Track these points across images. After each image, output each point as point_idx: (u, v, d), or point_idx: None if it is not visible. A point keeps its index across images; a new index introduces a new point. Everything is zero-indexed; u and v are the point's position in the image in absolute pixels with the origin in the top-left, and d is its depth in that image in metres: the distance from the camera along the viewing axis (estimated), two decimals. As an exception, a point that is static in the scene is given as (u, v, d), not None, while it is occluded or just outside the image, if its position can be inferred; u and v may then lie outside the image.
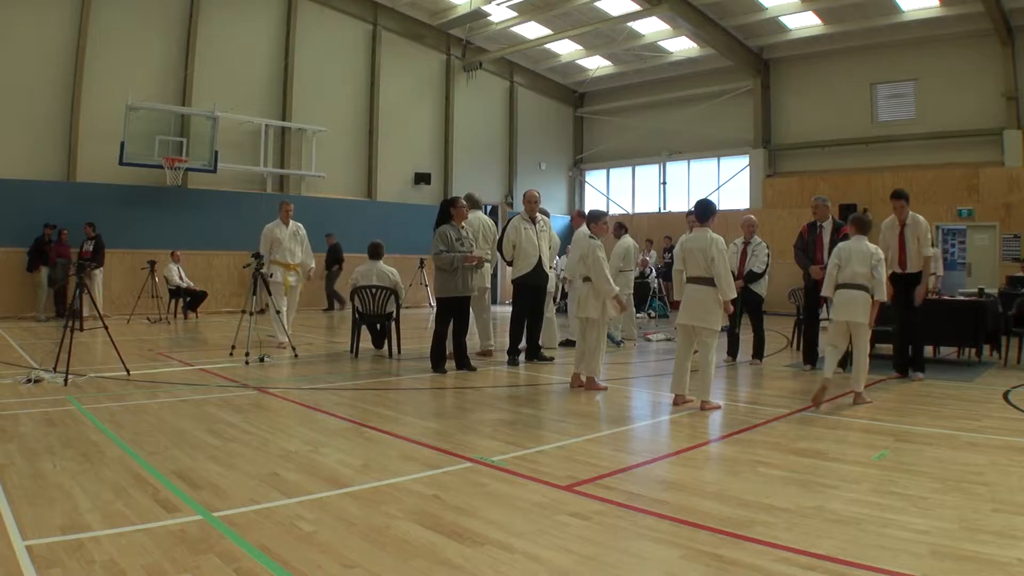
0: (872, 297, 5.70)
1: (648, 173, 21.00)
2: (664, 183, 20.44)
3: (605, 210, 8.08)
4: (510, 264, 8.07)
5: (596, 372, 6.27)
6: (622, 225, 10.53)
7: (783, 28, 16.83)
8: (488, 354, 8.27)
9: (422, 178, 18.30)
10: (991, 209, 14.67)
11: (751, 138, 18.32)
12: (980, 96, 15.01)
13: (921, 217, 6.92)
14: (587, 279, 6.22)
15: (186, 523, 2.84)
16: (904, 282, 6.86)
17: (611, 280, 6.23)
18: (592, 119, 22.20)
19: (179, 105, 14.16)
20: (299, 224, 9.15)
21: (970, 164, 15.08)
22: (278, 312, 8.55)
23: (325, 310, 15.33)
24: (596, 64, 20.31)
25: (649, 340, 10.42)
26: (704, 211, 5.67)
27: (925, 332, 7.14)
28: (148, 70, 13.86)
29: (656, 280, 15.83)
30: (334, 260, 15.28)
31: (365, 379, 6.80)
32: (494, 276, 20.57)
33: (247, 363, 7.41)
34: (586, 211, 10.82)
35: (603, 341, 6.34)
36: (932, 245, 7.05)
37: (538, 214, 8.18)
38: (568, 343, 9.41)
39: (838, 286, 5.79)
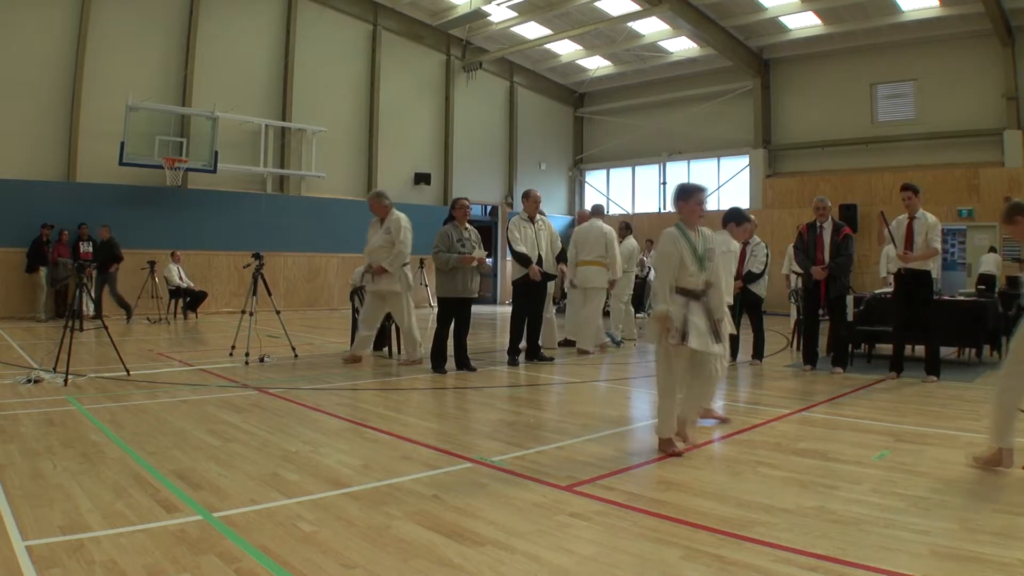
0: None
1: (648, 173, 21.00)
2: (664, 183, 20.43)
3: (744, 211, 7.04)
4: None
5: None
6: (627, 225, 10.52)
7: (783, 28, 16.83)
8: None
9: (422, 178, 18.31)
10: (991, 209, 14.66)
11: (751, 138, 18.32)
12: (980, 96, 15.02)
13: (931, 215, 6.87)
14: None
15: (186, 523, 2.84)
16: (907, 280, 6.84)
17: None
18: (592, 119, 22.20)
19: (179, 105, 14.16)
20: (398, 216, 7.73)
21: (970, 164, 15.09)
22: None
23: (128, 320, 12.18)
24: (596, 64, 20.31)
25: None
26: (741, 217, 5.49)
27: (936, 333, 6.94)
28: (148, 70, 13.86)
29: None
30: (112, 257, 12.21)
31: (365, 379, 6.80)
32: (495, 276, 20.58)
33: (247, 363, 7.41)
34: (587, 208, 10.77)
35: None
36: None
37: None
38: (567, 343, 9.42)
39: None
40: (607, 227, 8.99)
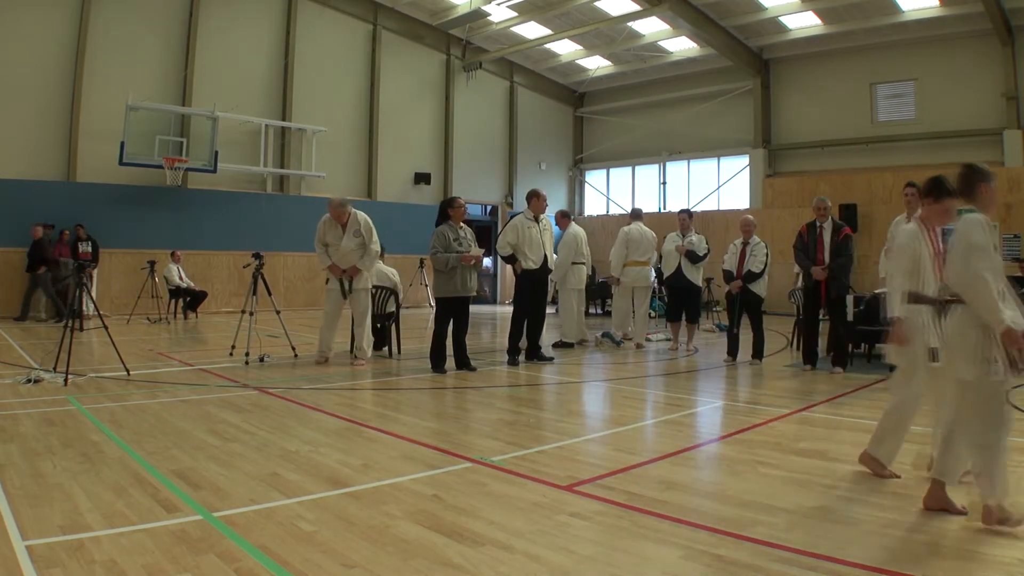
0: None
1: (648, 173, 21.00)
2: (664, 183, 20.44)
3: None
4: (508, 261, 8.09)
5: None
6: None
7: (783, 28, 16.83)
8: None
9: (422, 178, 18.31)
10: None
11: (751, 138, 18.31)
12: (980, 96, 15.01)
13: None
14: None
15: (186, 523, 2.84)
16: None
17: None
18: (592, 119, 22.20)
19: (179, 105, 14.17)
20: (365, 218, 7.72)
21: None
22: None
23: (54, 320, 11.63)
24: (596, 64, 20.31)
25: (649, 340, 10.41)
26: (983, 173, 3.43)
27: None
28: (148, 70, 13.87)
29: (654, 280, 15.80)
30: (41, 260, 11.94)
31: (365, 379, 6.80)
32: (494, 276, 20.57)
33: (247, 363, 7.41)
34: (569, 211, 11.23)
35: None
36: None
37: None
38: (562, 344, 9.43)
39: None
40: (651, 230, 9.99)
